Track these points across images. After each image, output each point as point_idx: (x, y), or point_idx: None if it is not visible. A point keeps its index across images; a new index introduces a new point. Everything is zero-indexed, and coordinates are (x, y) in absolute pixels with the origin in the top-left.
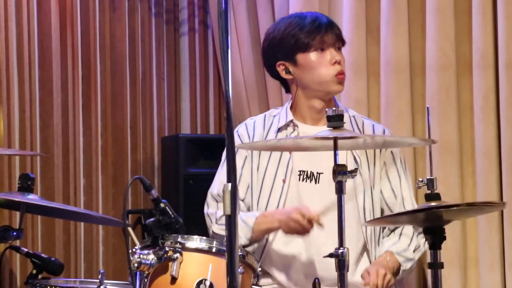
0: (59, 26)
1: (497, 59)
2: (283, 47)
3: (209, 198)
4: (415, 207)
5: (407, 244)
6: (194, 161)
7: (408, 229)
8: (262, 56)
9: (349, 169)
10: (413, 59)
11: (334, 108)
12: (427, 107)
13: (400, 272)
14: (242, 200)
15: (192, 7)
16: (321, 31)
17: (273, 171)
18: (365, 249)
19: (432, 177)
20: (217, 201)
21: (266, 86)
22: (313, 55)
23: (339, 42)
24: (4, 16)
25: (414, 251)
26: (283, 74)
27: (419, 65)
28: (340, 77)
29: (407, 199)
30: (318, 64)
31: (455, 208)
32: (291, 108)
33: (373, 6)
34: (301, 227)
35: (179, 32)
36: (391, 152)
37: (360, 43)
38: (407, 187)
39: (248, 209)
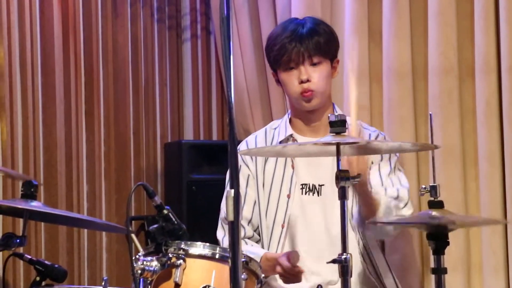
0: (62, 32)
1: (500, 63)
2: (268, 58)
3: (219, 222)
4: (406, 186)
5: (399, 202)
6: (197, 167)
7: (403, 193)
8: None
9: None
10: (416, 64)
11: (336, 114)
12: (430, 114)
13: (381, 204)
14: (249, 222)
15: (195, 13)
16: (289, 48)
17: (278, 187)
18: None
19: (435, 184)
20: (224, 225)
21: (269, 92)
22: (283, 73)
23: (312, 58)
24: (7, 23)
25: (402, 208)
26: (277, 83)
27: (422, 70)
28: (305, 95)
29: (395, 181)
30: (287, 81)
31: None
32: (290, 120)
33: (375, 11)
34: (293, 277)
35: (182, 38)
36: (388, 157)
37: (362, 48)
38: (396, 177)
39: (256, 229)
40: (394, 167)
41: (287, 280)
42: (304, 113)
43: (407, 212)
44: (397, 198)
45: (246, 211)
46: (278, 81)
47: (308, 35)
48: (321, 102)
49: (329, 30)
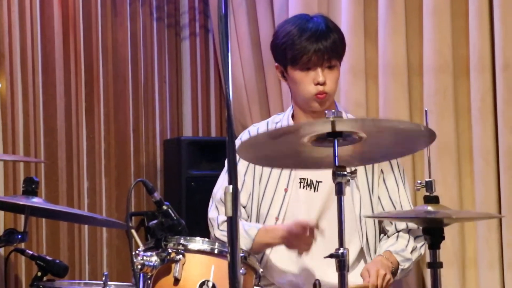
0: (62, 31)
1: (494, 61)
2: (279, 51)
3: (211, 203)
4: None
5: (404, 245)
6: (196, 163)
7: (404, 233)
8: None
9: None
10: (411, 61)
11: (333, 110)
12: (425, 110)
13: (399, 271)
14: (244, 207)
15: (193, 12)
16: (310, 50)
17: (275, 180)
18: (361, 256)
19: (430, 179)
20: (219, 205)
21: (267, 89)
22: (298, 72)
23: (331, 60)
24: (7, 22)
25: (411, 252)
26: (280, 76)
27: (417, 67)
28: (319, 97)
29: (406, 207)
30: (301, 81)
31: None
32: (292, 115)
33: (371, 9)
34: (303, 243)
35: (180, 36)
36: (389, 161)
37: (358, 45)
38: (405, 194)
39: (248, 217)
40: (401, 178)
41: (296, 247)
42: (309, 111)
43: (415, 254)
44: (411, 253)
45: (242, 197)
46: (283, 76)
47: (329, 38)
48: (330, 103)
49: (342, 34)
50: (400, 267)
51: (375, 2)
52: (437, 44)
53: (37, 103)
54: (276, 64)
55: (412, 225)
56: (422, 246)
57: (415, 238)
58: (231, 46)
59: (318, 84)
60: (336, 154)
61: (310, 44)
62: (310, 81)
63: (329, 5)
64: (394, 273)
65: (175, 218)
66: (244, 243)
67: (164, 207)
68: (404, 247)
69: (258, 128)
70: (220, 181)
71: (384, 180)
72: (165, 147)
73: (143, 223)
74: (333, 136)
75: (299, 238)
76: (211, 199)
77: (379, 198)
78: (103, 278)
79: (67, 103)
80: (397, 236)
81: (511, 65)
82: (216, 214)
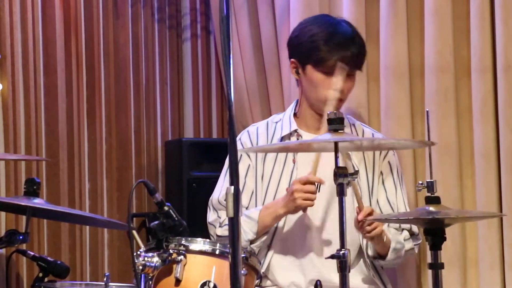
0: (64, 32)
1: (495, 62)
2: (300, 49)
3: (210, 207)
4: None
5: (399, 231)
6: (197, 164)
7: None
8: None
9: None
10: (412, 63)
11: (335, 112)
12: (427, 111)
13: (390, 249)
14: (246, 208)
15: (195, 13)
16: (337, 56)
17: (277, 180)
18: (361, 255)
19: (432, 180)
20: (218, 209)
21: (268, 90)
22: (319, 75)
23: (353, 69)
24: (9, 24)
25: (404, 240)
26: (292, 72)
27: (418, 69)
28: (334, 103)
29: (401, 209)
30: (321, 84)
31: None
32: (295, 114)
33: (372, 11)
34: (306, 196)
35: (182, 38)
36: (388, 162)
37: None
38: (402, 197)
39: None
40: (399, 181)
41: (301, 206)
42: (317, 113)
43: (408, 244)
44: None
45: (244, 199)
46: (297, 73)
47: (355, 47)
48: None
49: (365, 44)
50: (392, 245)
51: (376, 3)
52: (438, 45)
53: (39, 104)
54: (293, 59)
55: (405, 226)
56: (417, 245)
57: (411, 235)
58: (233, 47)
59: (336, 90)
60: (338, 156)
61: (337, 50)
62: (329, 86)
63: (330, 7)
64: (386, 246)
65: (176, 219)
66: (249, 227)
67: (166, 208)
68: (399, 233)
69: (257, 127)
70: (218, 184)
71: (383, 182)
72: (167, 149)
73: (144, 224)
74: None
75: (301, 193)
76: (209, 203)
77: (376, 199)
78: (105, 279)
79: (69, 105)
80: (389, 226)
81: None
82: (216, 216)
